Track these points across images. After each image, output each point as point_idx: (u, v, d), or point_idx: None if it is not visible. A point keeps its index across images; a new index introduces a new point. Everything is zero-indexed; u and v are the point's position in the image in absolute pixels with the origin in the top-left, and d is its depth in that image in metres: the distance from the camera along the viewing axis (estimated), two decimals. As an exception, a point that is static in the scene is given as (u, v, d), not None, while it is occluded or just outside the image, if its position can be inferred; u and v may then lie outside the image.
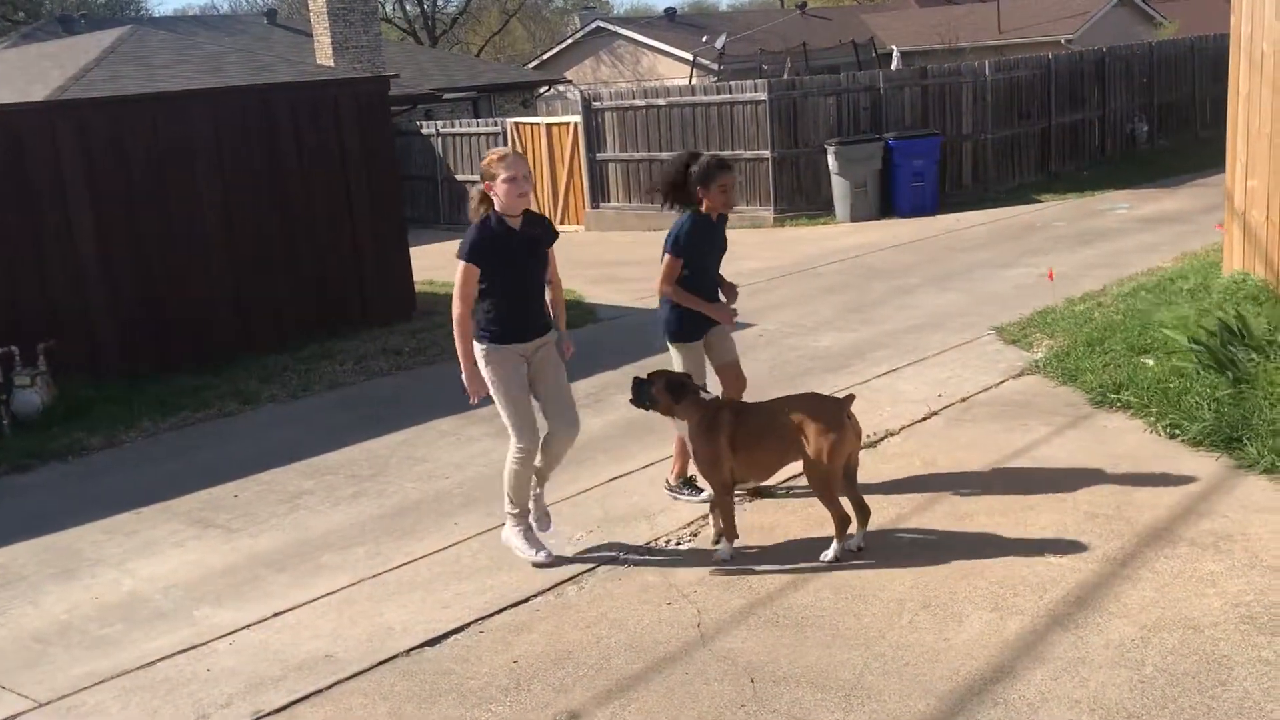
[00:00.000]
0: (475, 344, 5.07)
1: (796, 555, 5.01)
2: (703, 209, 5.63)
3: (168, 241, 9.80)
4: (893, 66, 21.92)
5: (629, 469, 6.46)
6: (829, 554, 4.88)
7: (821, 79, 17.38)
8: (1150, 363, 6.96)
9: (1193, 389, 6.29)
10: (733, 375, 5.84)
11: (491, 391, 5.10)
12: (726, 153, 16.65)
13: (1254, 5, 8.06)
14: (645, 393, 5.10)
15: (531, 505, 5.30)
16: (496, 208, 5.02)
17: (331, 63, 18.95)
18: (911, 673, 3.93)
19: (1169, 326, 7.29)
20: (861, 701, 3.79)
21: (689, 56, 29.87)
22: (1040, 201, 15.92)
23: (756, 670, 4.05)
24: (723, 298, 5.79)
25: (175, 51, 11.97)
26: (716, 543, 5.15)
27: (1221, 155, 8.67)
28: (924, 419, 6.82)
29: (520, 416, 5.09)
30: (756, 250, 13.97)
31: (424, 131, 20.83)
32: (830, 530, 4.89)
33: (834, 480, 4.85)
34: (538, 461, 5.21)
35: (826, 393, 5.38)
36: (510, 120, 19.87)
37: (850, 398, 4.96)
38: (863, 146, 15.77)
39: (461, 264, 4.96)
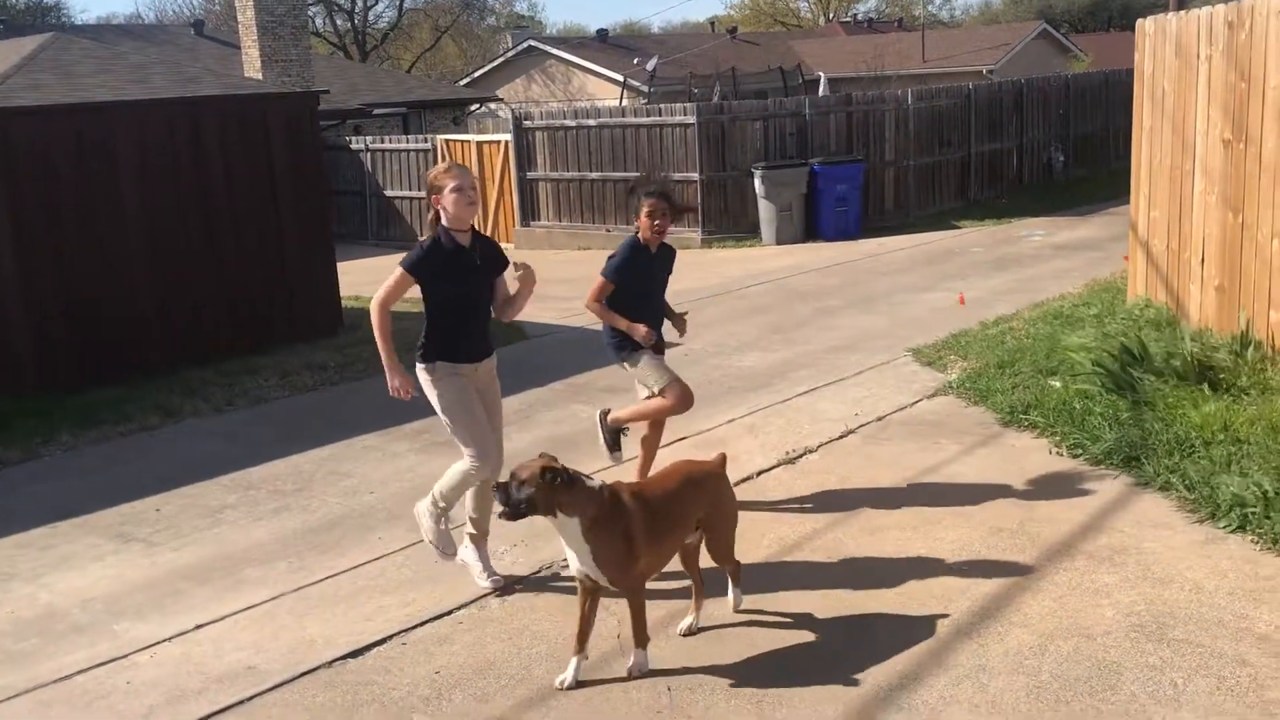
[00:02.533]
0: (422, 364, 5.02)
1: (714, 572, 5.14)
2: (640, 237, 5.78)
3: (90, 254, 9.69)
4: (820, 92, 22.38)
5: (553, 484, 6.55)
6: (686, 623, 4.54)
7: (750, 104, 17.70)
8: (1057, 384, 7.24)
9: (1095, 410, 6.56)
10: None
11: (441, 410, 5.01)
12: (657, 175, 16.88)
13: (1155, 44, 8.45)
14: (518, 497, 4.05)
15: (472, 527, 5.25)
16: (445, 221, 4.97)
17: (260, 76, 18.82)
18: (823, 678, 4.08)
19: (1075, 350, 7.59)
20: (774, 707, 3.93)
21: (620, 78, 30.16)
22: (960, 228, 16.36)
23: (674, 680, 4.17)
24: (672, 327, 6.01)
25: (99, 61, 11.86)
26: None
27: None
28: (841, 437, 7.02)
29: (473, 425, 4.99)
30: (683, 272, 14.01)
31: (353, 147, 20.77)
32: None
33: (733, 541, 4.61)
34: (438, 485, 5.12)
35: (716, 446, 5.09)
36: (441, 137, 19.91)
37: (723, 456, 4.72)
38: (789, 171, 16.10)
39: (399, 271, 4.91)
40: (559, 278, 14.91)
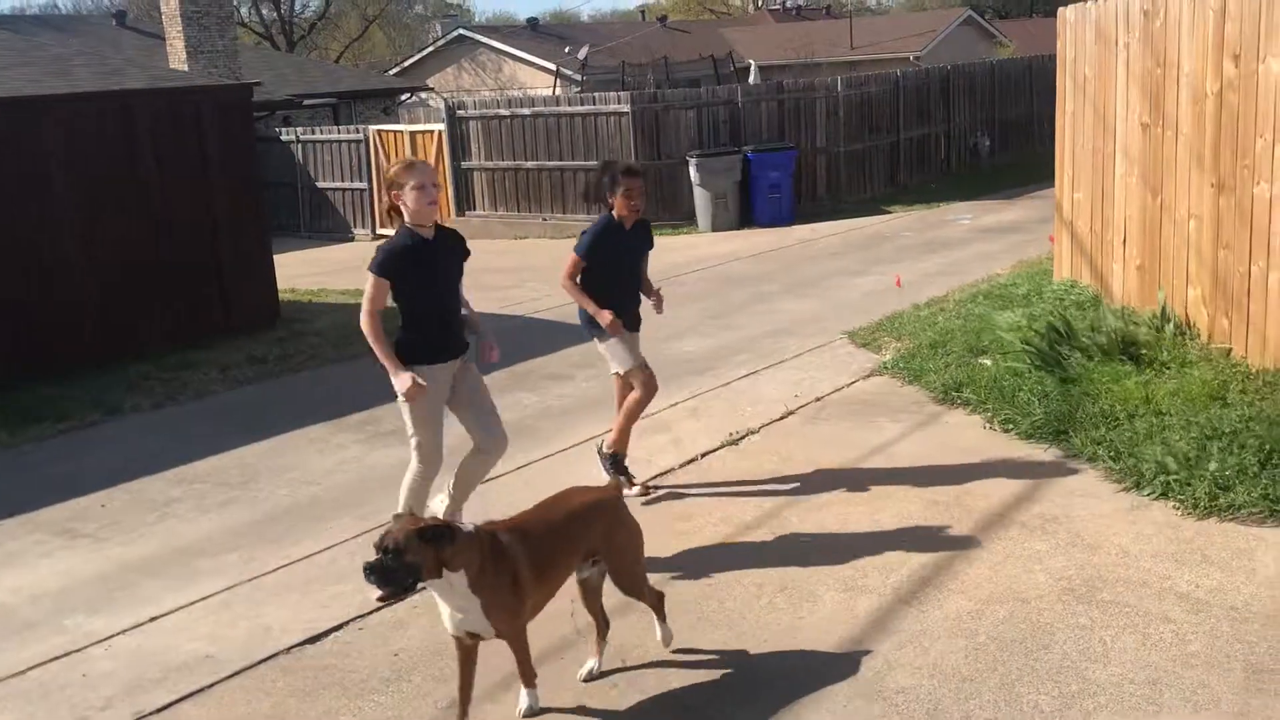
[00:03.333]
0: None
1: (665, 548, 5.28)
2: (614, 215, 5.86)
3: (24, 250, 9.56)
4: (751, 80, 22.56)
5: (502, 470, 6.63)
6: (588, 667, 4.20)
7: (683, 92, 17.84)
8: (988, 363, 7.47)
9: (1025, 387, 6.80)
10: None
11: (409, 418, 4.95)
12: (592, 162, 16.96)
13: (1077, 32, 8.72)
14: (397, 568, 3.55)
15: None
16: (406, 219, 4.88)
17: (185, 67, 18.56)
18: (772, 649, 4.23)
19: (1004, 329, 7.84)
20: (727, 677, 4.07)
21: (552, 66, 30.12)
22: (890, 213, 16.66)
23: (628, 653, 4.30)
24: (651, 304, 6.06)
25: (18, 53, 11.63)
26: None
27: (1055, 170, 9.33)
28: (782, 418, 7.19)
29: (434, 441, 4.99)
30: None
31: (284, 138, 20.56)
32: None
33: (644, 572, 4.25)
34: (451, 488, 5.19)
35: (601, 480, 4.57)
36: (373, 128, 19.77)
37: (617, 483, 4.53)
38: (723, 159, 16.26)
39: (371, 277, 4.82)
40: (497, 267, 14.96)
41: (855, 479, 5.98)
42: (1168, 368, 6.61)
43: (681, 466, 6.42)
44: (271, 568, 5.48)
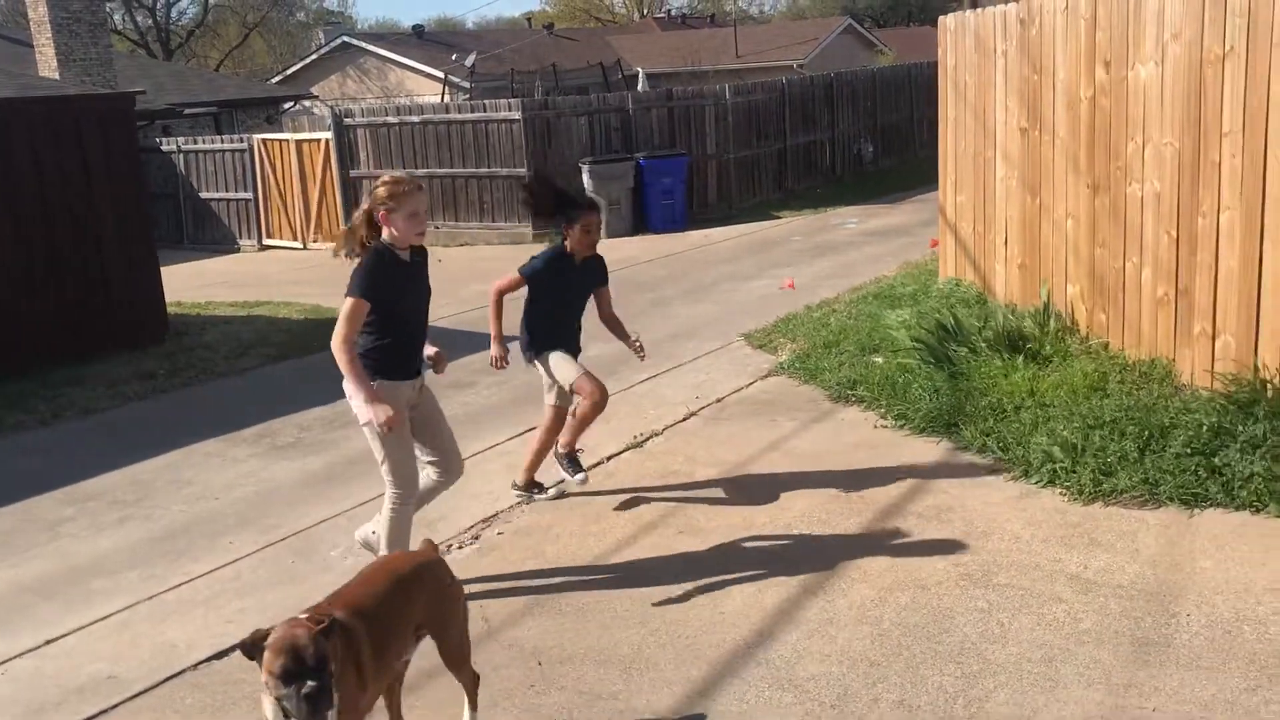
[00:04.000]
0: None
1: (578, 551, 5.33)
2: (567, 247, 5.70)
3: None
4: (640, 88, 22.77)
5: (405, 479, 6.61)
6: None
7: (574, 99, 17.90)
8: (879, 361, 7.70)
9: (916, 382, 7.02)
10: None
11: (375, 437, 4.68)
12: (483, 170, 16.93)
13: (956, 39, 9.04)
14: (324, 690, 2.93)
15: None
16: (386, 237, 4.63)
17: (57, 75, 17.94)
18: (685, 644, 4.32)
19: (895, 328, 8.08)
20: (641, 671, 4.14)
21: (439, 74, 29.91)
22: (780, 218, 16.97)
23: (543, 653, 4.34)
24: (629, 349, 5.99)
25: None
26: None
27: (937, 173, 9.64)
28: (684, 419, 7.30)
29: (406, 459, 4.77)
30: (515, 266, 14.27)
31: (164, 148, 20.02)
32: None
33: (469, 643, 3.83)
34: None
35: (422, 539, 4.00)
36: (258, 137, 19.39)
37: (432, 543, 3.92)
38: (615, 165, 16.38)
39: (351, 301, 4.51)
40: (390, 277, 14.84)
41: (757, 476, 6.11)
42: (1051, 361, 6.90)
43: (590, 469, 6.46)
44: (173, 584, 5.37)
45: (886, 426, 6.74)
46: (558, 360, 5.74)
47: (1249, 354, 5.69)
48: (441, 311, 11.75)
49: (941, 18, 9.50)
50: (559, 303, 5.78)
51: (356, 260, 4.68)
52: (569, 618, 4.63)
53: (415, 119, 17.49)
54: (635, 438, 6.96)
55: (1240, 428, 5.36)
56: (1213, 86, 5.77)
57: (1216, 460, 5.25)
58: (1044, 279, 7.72)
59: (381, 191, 4.62)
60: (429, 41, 35.53)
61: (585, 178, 16.31)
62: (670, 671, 4.13)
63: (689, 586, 4.83)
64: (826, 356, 8.13)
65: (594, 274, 5.92)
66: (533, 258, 5.78)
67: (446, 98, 27.49)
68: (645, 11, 53.57)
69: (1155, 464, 5.36)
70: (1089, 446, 5.63)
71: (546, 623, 4.60)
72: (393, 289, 4.62)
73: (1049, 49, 7.38)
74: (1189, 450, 5.35)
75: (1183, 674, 3.81)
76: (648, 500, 5.92)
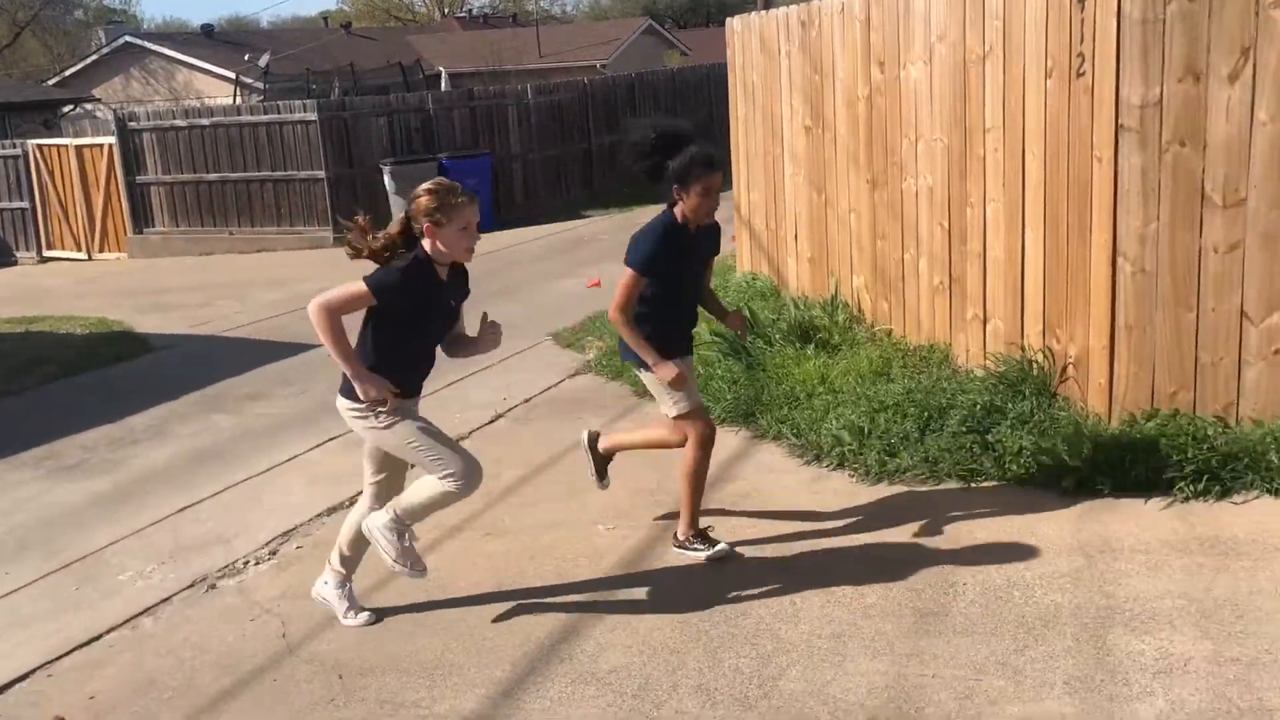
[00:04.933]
0: (350, 403, 4.33)
1: (380, 560, 5.25)
2: (677, 214, 4.71)
3: None
4: (442, 88, 22.52)
5: (199, 497, 6.38)
6: None
7: (372, 100, 17.58)
8: (682, 355, 7.85)
9: (716, 374, 7.21)
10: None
11: (402, 440, 4.30)
12: (279, 173, 16.44)
13: (744, 41, 9.31)
14: None
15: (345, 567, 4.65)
16: (430, 250, 4.21)
17: None
18: (489, 646, 4.32)
19: (695, 322, 8.26)
20: (445, 676, 4.13)
21: (231, 74, 28.85)
22: (588, 217, 17.11)
23: (344, 667, 4.26)
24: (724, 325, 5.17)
25: None
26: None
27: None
28: (491, 421, 7.28)
29: (453, 445, 4.39)
30: (320, 271, 13.94)
31: (-74, 156, 18.64)
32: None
33: None
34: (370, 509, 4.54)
35: None
36: (33, 142, 18.28)
37: None
38: (417, 166, 16.16)
39: (362, 287, 4.14)
40: (183, 285, 14.25)
41: (564, 475, 6.15)
42: (840, 349, 7.20)
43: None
44: (-58, 621, 5.02)
45: (689, 419, 6.88)
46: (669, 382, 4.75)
47: (1016, 335, 6.08)
48: (234, 322, 11.38)
49: (729, 20, 9.77)
50: (674, 287, 4.75)
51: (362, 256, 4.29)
52: (371, 628, 4.56)
53: (205, 122, 16.84)
54: (440, 442, 6.89)
55: (1010, 405, 5.72)
56: (975, 85, 6.14)
57: (990, 437, 5.58)
58: (832, 271, 8.05)
59: (427, 202, 4.17)
60: (220, 41, 34.21)
61: (387, 179, 16.04)
62: (474, 674, 4.13)
63: (494, 588, 4.83)
64: (632, 353, 8.24)
65: (713, 241, 4.92)
66: (635, 241, 4.71)
67: (239, 99, 26.52)
68: (446, 11, 52.98)
69: (935, 443, 5.66)
70: (874, 429, 5.90)
71: (348, 635, 4.52)
72: (415, 305, 4.21)
73: (828, 50, 7.70)
74: (965, 428, 5.68)
75: (959, 640, 4.05)
76: (454, 509, 5.86)
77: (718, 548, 4.87)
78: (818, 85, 7.92)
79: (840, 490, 5.55)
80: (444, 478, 4.26)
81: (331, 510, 5.93)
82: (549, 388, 7.95)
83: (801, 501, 5.46)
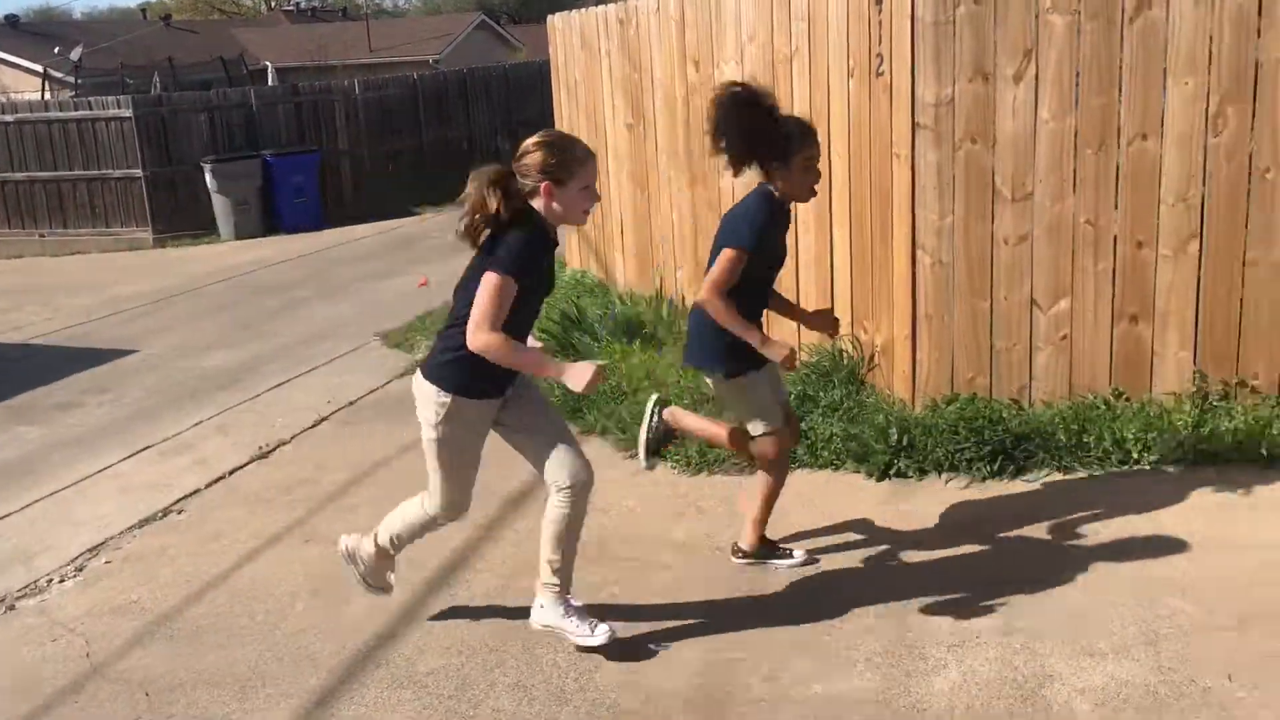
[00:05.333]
0: (439, 389, 3.88)
1: (194, 572, 5.10)
2: (776, 190, 4.17)
3: None
4: (270, 83, 21.88)
5: (7, 510, 6.08)
6: None
7: (192, 95, 16.97)
8: (510, 353, 7.86)
9: (544, 372, 7.23)
10: (791, 423, 4.61)
11: (437, 455, 3.99)
12: (92, 172, 15.73)
13: (565, 39, 9.36)
14: None
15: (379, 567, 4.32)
16: (544, 211, 3.72)
17: None
18: (305, 654, 4.25)
19: (523, 320, 8.28)
20: (257, 688, 4.04)
21: (39, 68, 27.36)
22: (420, 214, 16.88)
23: (152, 684, 4.13)
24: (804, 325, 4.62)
25: None
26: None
27: (565, 168, 9.92)
28: (315, 425, 7.14)
29: (467, 489, 4.09)
30: (138, 274, 13.44)
31: None
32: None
33: None
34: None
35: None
36: None
37: None
38: (241, 164, 15.68)
39: (498, 278, 3.60)
40: (-12, 291, 13.47)
41: (387, 477, 6.09)
42: (665, 343, 7.32)
43: (208, 486, 6.20)
44: None
45: (516, 417, 6.90)
46: (754, 395, 4.31)
47: (829, 327, 6.29)
48: (44, 328, 10.84)
49: (550, 18, 9.79)
50: (764, 270, 4.24)
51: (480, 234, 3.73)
52: (182, 643, 4.43)
53: (9, 118, 15.97)
54: (261, 448, 6.74)
55: (822, 394, 5.93)
56: (784, 84, 6.32)
57: (803, 425, 5.77)
58: (657, 266, 8.17)
59: (543, 157, 3.66)
60: (26, 33, 32.38)
61: (208, 177, 15.52)
62: (288, 684, 4.06)
63: (309, 596, 4.75)
64: (461, 352, 8.20)
65: (789, 221, 4.37)
66: (733, 219, 4.16)
67: (48, 95, 25.19)
68: (274, 4, 51.43)
69: (754, 433, 5.82)
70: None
71: (158, 650, 4.39)
72: (537, 274, 3.72)
73: (646, 48, 7.80)
74: (781, 418, 5.85)
75: (772, 624, 4.18)
76: (272, 512, 5.75)
77: (796, 556, 4.59)
78: (637, 83, 8.02)
79: (662, 481, 5.65)
80: (435, 504, 4.09)
81: (144, 522, 5.73)
82: (376, 389, 7.85)
83: (624, 494, 5.53)
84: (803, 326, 4.69)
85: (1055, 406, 5.46)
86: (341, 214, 16.88)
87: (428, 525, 4.24)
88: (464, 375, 3.83)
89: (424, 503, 4.17)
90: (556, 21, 9.57)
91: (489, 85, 21.15)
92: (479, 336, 3.63)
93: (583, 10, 8.93)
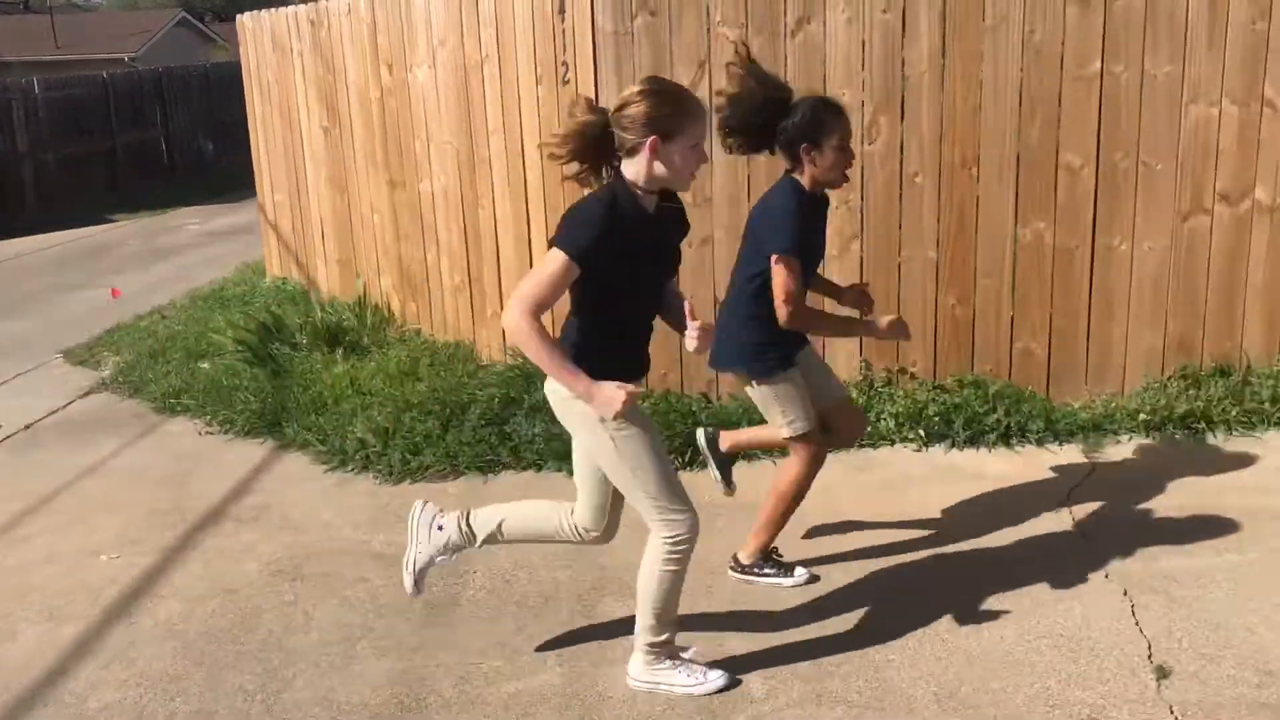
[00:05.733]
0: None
1: None
2: (804, 179, 3.87)
3: None
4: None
5: None
6: None
7: None
8: (206, 366, 7.52)
9: (242, 385, 6.97)
10: (851, 414, 4.37)
11: (622, 457, 3.36)
12: None
13: (256, 39, 9.05)
14: None
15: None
16: (634, 176, 3.24)
17: None
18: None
19: (219, 331, 7.94)
20: (-100, 745, 3.69)
21: None
22: (114, 221, 15.86)
23: None
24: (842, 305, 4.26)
25: None
26: None
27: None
28: (-17, 453, 6.60)
29: (671, 482, 3.44)
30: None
31: None
32: None
33: None
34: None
35: None
36: None
37: None
38: (-101, 169, 14.23)
39: (562, 258, 3.15)
40: None
41: (69, 504, 5.70)
42: (369, 351, 7.21)
43: None
44: None
45: (212, 433, 6.62)
46: (789, 392, 4.03)
47: (530, 329, 6.37)
48: None
49: (240, 17, 9.44)
50: (809, 265, 3.99)
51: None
52: None
53: None
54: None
55: (525, 396, 6.00)
56: (477, 89, 6.36)
57: (507, 428, 5.83)
58: (360, 272, 8.02)
59: (649, 107, 3.16)
60: None
61: None
62: (-44, 735, 3.73)
63: None
64: (153, 366, 7.79)
65: (826, 209, 4.09)
66: (767, 216, 3.88)
67: None
68: (-57, -8, 46.85)
69: (456, 438, 5.83)
70: (399, 429, 5.96)
71: None
72: (626, 250, 3.23)
73: (339, 50, 7.65)
74: (484, 422, 5.89)
75: (466, 626, 4.20)
76: (-73, 550, 5.26)
77: (798, 574, 4.32)
78: (332, 85, 7.85)
79: (363, 493, 5.57)
80: (664, 522, 3.47)
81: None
82: (56, 410, 7.32)
83: (321, 509, 5.41)
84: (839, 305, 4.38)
85: (739, 400, 5.75)
86: (22, 222, 15.64)
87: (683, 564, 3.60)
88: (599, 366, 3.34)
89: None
90: (247, 21, 9.22)
91: (189, 85, 20.13)
92: (514, 320, 3.17)
93: (274, 11, 8.65)
